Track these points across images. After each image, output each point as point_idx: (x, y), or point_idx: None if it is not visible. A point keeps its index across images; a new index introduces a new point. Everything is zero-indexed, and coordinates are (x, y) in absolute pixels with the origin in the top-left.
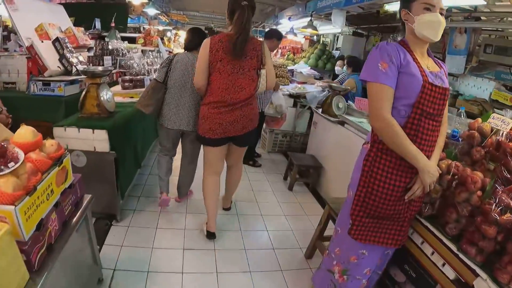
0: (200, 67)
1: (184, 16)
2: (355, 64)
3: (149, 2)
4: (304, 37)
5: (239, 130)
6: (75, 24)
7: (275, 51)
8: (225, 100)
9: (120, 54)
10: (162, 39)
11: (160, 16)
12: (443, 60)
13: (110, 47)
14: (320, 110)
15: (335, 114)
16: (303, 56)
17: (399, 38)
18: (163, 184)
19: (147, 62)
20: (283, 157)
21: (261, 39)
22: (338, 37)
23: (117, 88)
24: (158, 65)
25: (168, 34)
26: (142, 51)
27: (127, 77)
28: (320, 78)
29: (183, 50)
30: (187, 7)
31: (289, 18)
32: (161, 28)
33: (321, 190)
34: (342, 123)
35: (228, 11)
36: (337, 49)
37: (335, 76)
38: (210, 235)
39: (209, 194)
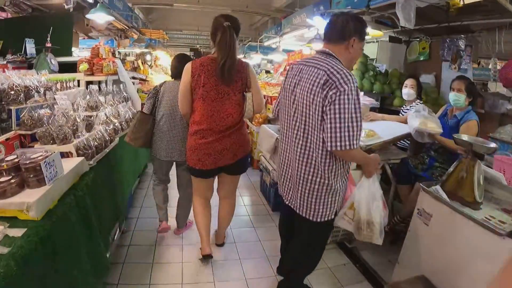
0: (182, 93)
1: (161, 32)
2: (475, 92)
3: (95, 4)
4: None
5: (230, 158)
6: (2, 49)
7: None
8: (212, 128)
9: (21, 98)
10: (134, 63)
11: (128, 32)
12: None
13: None
14: (439, 188)
15: (475, 199)
16: None
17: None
18: (161, 212)
19: (83, 106)
20: (343, 256)
21: (257, 55)
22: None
23: None
24: (108, 109)
25: (148, 57)
26: (87, 84)
27: (5, 163)
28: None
29: (163, 76)
30: (169, 26)
31: (323, 15)
32: (138, 50)
33: None
34: None
35: (211, 32)
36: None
37: (382, 102)
38: (206, 257)
39: (198, 216)
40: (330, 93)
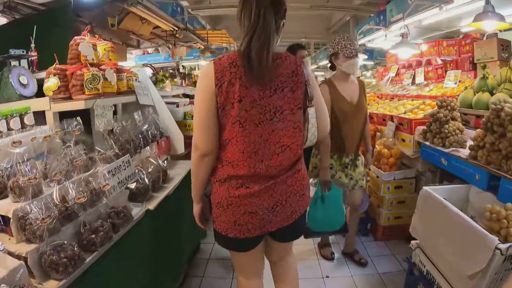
0: (205, 118)
1: (224, 33)
2: None
3: None
4: (472, 37)
5: (286, 217)
6: None
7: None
8: (258, 172)
9: None
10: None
11: (180, 36)
12: None
13: None
14: None
15: None
16: None
17: None
18: None
19: None
20: None
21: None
22: None
23: None
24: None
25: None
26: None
27: None
28: None
29: None
30: (239, 37)
31: None
32: (203, 62)
33: None
34: None
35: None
36: None
37: None
38: None
39: None
40: None
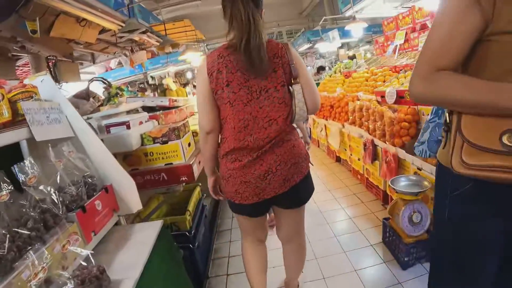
0: (202, 102)
1: (187, 24)
2: None
3: None
4: None
5: (279, 185)
6: None
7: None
8: (247, 145)
9: None
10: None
11: (136, 38)
12: None
13: None
14: None
15: None
16: None
17: None
18: None
19: None
20: None
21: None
22: None
23: None
24: None
25: (189, 75)
26: None
27: None
28: None
29: None
30: (207, 35)
31: None
32: (172, 68)
33: None
34: None
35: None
36: None
37: None
38: None
39: (251, 269)
40: None
